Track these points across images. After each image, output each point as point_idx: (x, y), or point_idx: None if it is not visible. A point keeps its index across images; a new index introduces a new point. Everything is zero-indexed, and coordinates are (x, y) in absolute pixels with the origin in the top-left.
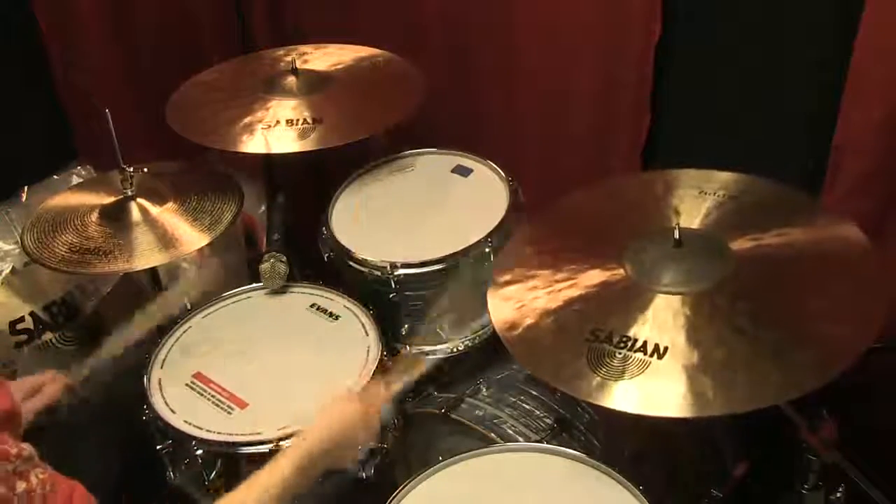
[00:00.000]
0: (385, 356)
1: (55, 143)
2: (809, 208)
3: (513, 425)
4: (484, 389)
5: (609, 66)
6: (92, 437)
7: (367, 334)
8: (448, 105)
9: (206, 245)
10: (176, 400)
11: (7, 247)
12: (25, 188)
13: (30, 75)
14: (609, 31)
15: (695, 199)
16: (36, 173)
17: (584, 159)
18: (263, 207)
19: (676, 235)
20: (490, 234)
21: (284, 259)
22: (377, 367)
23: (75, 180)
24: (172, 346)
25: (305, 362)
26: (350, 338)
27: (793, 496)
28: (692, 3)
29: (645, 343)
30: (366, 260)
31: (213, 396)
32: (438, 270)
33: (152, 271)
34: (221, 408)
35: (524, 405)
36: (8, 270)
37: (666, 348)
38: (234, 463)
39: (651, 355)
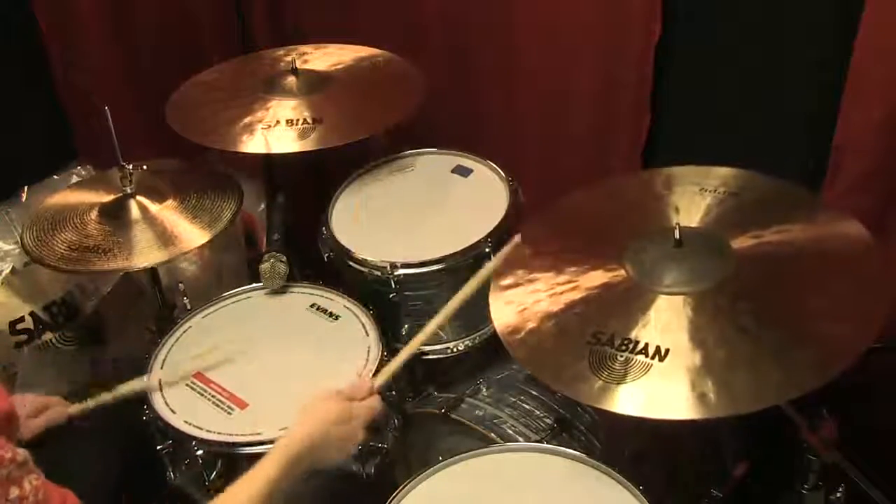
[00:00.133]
0: (385, 356)
1: (55, 143)
2: (810, 204)
3: (513, 425)
4: (484, 389)
5: (609, 66)
6: (92, 437)
7: (367, 334)
8: (448, 105)
9: (206, 244)
10: (176, 400)
11: (7, 247)
12: (25, 188)
13: (30, 75)
14: (609, 31)
15: (695, 197)
16: (36, 173)
17: (584, 159)
18: (263, 207)
19: (677, 235)
20: (490, 234)
21: (284, 259)
22: (377, 367)
23: (75, 180)
24: (172, 346)
25: (305, 362)
26: (350, 338)
27: (793, 496)
28: (692, 3)
29: (646, 346)
30: (366, 260)
31: (213, 396)
32: (438, 270)
33: (152, 271)
34: (221, 408)
35: (524, 405)
36: (8, 270)
37: (667, 350)
38: (235, 463)
39: (653, 358)
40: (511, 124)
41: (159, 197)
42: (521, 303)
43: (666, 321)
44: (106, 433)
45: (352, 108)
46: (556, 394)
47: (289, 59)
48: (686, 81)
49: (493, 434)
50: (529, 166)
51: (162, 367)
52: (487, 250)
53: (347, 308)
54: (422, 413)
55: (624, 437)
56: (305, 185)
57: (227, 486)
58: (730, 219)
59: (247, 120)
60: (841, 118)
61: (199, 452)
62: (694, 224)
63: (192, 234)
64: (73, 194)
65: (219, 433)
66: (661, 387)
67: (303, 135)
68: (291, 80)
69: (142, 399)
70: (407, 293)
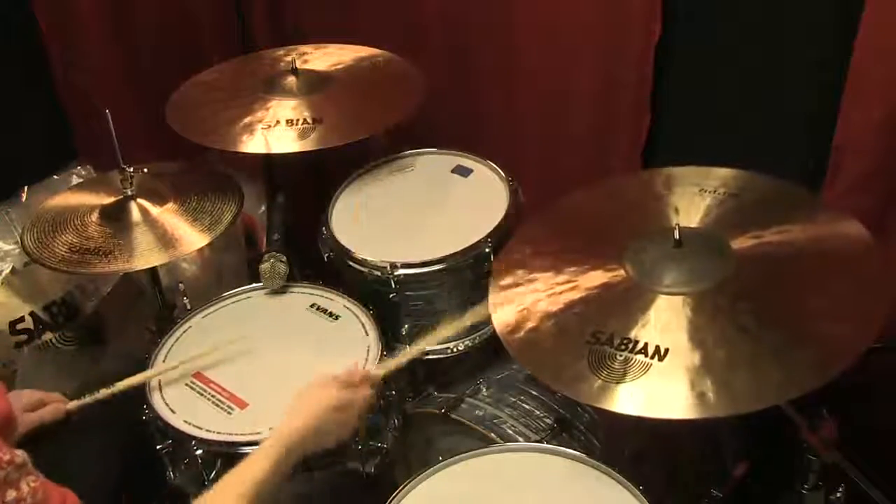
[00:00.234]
0: (385, 356)
1: (55, 143)
2: (810, 205)
3: (513, 425)
4: (484, 389)
5: (609, 66)
6: (92, 436)
7: (367, 334)
8: (448, 105)
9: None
10: (176, 400)
11: (7, 247)
12: (25, 188)
13: (30, 75)
14: (609, 31)
15: (694, 197)
16: (36, 173)
17: (584, 159)
18: (263, 207)
19: (676, 235)
20: (490, 234)
21: (284, 259)
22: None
23: (75, 180)
24: (172, 346)
25: (305, 362)
26: (350, 338)
27: (793, 496)
28: (692, 3)
29: (646, 345)
30: (366, 260)
31: (213, 396)
32: (438, 270)
33: (152, 271)
34: (221, 408)
35: (524, 405)
36: (8, 270)
37: (667, 350)
38: (234, 463)
39: (652, 357)
40: (511, 124)
41: (160, 199)
42: (520, 302)
43: (665, 321)
44: (106, 433)
45: (352, 108)
46: (556, 394)
47: (289, 59)
48: (686, 81)
49: (493, 434)
50: (529, 166)
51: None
52: (487, 250)
53: (347, 308)
54: (422, 413)
55: (624, 436)
56: (305, 185)
57: None
58: (730, 219)
59: (247, 120)
60: (841, 118)
61: (199, 452)
62: (694, 225)
63: (193, 237)
64: (74, 196)
65: (218, 433)
66: (661, 386)
67: (303, 135)
68: (291, 80)
69: (141, 398)
70: (407, 293)
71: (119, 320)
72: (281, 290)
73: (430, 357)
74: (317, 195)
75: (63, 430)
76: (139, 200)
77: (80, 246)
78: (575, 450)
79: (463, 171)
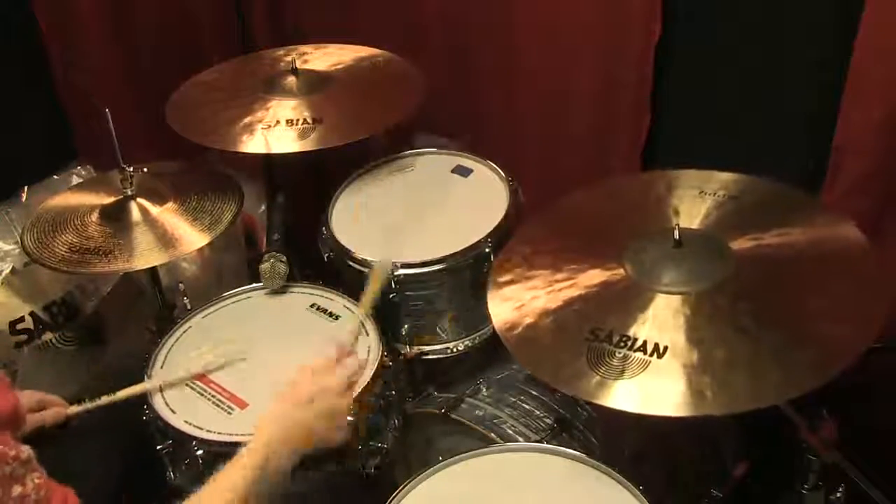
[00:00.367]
0: (385, 356)
1: (55, 143)
2: (809, 208)
3: (513, 425)
4: (484, 389)
5: (609, 66)
6: (93, 437)
7: (367, 334)
8: (448, 105)
9: (207, 245)
10: (176, 400)
11: (7, 247)
12: (25, 188)
13: (30, 75)
14: (609, 31)
15: (695, 200)
16: (36, 173)
17: (584, 159)
18: (263, 207)
19: (676, 236)
20: (490, 234)
21: (284, 259)
22: (377, 367)
23: (75, 180)
24: (172, 346)
25: (305, 362)
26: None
27: (793, 496)
28: (692, 3)
29: (645, 343)
30: (366, 260)
31: (213, 396)
32: (439, 270)
33: (152, 271)
34: (221, 408)
35: (524, 405)
36: (8, 270)
37: (666, 348)
38: None
39: (651, 355)
40: (511, 124)
41: (160, 199)
42: (518, 299)
43: (664, 320)
44: (106, 433)
45: (352, 108)
46: (556, 394)
47: (289, 59)
48: (686, 81)
49: (493, 434)
50: (529, 166)
51: (162, 368)
52: (487, 250)
53: (347, 308)
54: (422, 413)
55: (623, 436)
56: (305, 185)
57: None
58: (729, 221)
59: (247, 120)
60: (841, 118)
61: (199, 452)
62: (694, 226)
63: (193, 237)
64: (74, 196)
65: (219, 433)
66: (659, 383)
67: (303, 135)
68: (291, 80)
69: (142, 399)
70: (407, 293)
71: (119, 320)
72: (281, 290)
73: (430, 357)
74: (317, 195)
75: (64, 431)
76: (139, 200)
77: (80, 246)
78: (575, 450)
79: (463, 171)
